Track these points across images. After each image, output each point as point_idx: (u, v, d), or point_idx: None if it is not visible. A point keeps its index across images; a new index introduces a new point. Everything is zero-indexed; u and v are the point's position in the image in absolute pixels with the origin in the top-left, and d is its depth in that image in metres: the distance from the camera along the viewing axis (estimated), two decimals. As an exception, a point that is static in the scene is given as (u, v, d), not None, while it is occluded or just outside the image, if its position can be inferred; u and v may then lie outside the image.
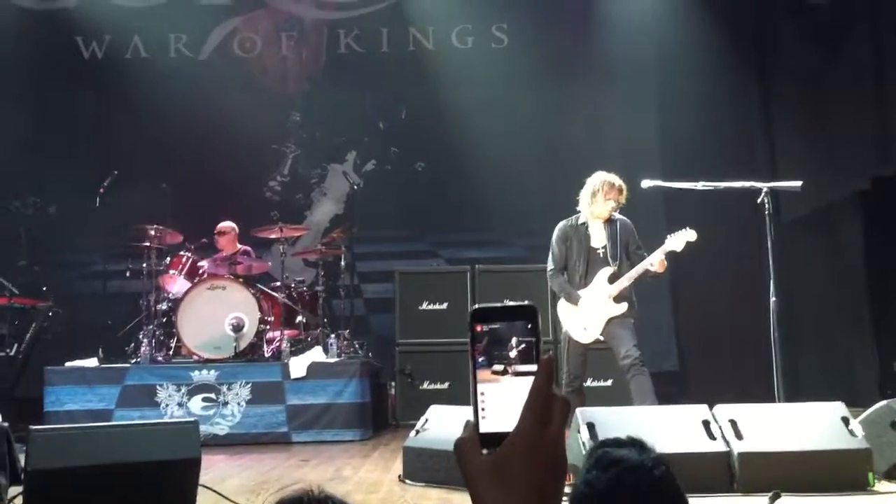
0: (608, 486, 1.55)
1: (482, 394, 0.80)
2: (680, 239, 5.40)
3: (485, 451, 0.79)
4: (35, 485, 3.80)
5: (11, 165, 8.88)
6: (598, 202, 5.48)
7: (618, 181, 5.51)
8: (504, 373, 0.80)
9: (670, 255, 5.51)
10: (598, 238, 5.56)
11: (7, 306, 7.13)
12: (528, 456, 0.77)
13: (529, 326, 0.81)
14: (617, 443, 1.66)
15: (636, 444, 1.65)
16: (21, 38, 9.00)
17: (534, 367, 0.79)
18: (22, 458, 4.02)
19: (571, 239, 5.58)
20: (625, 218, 5.61)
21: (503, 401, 0.79)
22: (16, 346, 7.19)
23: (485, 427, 0.80)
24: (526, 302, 0.82)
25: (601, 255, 5.53)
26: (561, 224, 5.67)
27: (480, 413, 0.80)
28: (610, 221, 5.55)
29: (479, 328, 0.81)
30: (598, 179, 5.51)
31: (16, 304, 7.24)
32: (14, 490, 3.96)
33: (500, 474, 0.77)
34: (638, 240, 5.58)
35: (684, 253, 5.51)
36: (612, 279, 5.48)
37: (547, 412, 0.78)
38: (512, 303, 0.82)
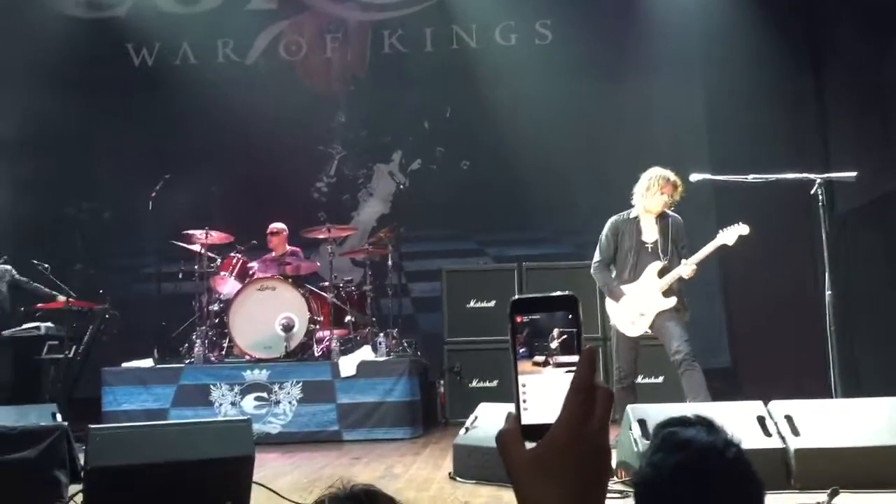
0: (675, 469, 1.46)
1: (523, 385, 0.79)
2: (732, 233, 5.35)
3: (527, 443, 0.78)
4: (94, 482, 3.89)
5: (66, 172, 9.11)
6: (651, 196, 5.46)
7: (673, 177, 5.47)
8: (545, 364, 0.79)
9: (721, 249, 5.44)
10: (650, 233, 5.54)
11: (65, 309, 7.30)
12: (570, 448, 0.76)
13: (570, 317, 0.80)
14: (684, 422, 1.55)
15: (705, 422, 1.54)
16: (72, 47, 9.20)
17: (576, 358, 0.78)
18: (81, 457, 4.13)
19: (623, 232, 5.56)
20: (677, 215, 5.57)
21: (545, 392, 0.79)
22: (74, 347, 7.36)
23: (526, 419, 0.79)
24: (567, 292, 0.81)
25: (651, 250, 5.50)
26: (613, 218, 5.67)
27: (522, 405, 0.79)
28: (662, 217, 5.52)
29: (519, 319, 0.81)
30: (654, 174, 5.49)
31: (74, 306, 7.42)
32: (74, 488, 4.06)
33: (543, 467, 0.76)
34: (685, 239, 5.54)
35: (736, 247, 5.44)
36: (662, 273, 5.44)
37: (589, 403, 0.76)
38: (552, 293, 0.81)
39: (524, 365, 0.80)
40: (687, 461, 1.47)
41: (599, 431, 0.77)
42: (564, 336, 0.79)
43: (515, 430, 0.79)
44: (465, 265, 8.64)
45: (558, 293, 0.80)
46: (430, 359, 8.00)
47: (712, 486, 1.46)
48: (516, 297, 0.81)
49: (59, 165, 9.07)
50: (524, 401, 0.79)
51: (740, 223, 5.37)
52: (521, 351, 0.80)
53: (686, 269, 5.36)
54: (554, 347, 0.79)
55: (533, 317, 0.80)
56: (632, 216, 5.58)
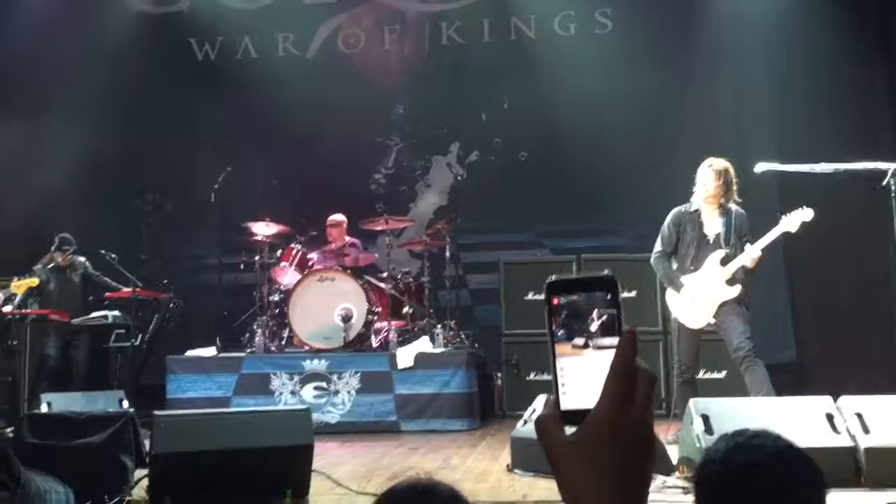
0: (744, 467, 1.47)
1: (562, 369, 0.76)
2: (795, 219, 5.21)
3: (567, 428, 0.76)
4: (159, 467, 3.98)
5: (130, 164, 9.33)
6: (707, 187, 5.38)
7: (718, 166, 5.37)
8: (585, 346, 0.76)
9: (786, 239, 5.31)
10: (712, 225, 5.45)
11: (132, 298, 7.49)
12: (611, 432, 0.73)
13: (609, 297, 0.76)
14: (752, 434, 1.56)
15: (771, 435, 1.56)
16: (138, 40, 9.42)
17: (616, 340, 0.75)
18: (147, 443, 4.23)
19: (685, 224, 5.49)
20: (741, 209, 5.47)
21: (584, 376, 0.76)
22: (140, 336, 7.55)
23: (566, 403, 0.76)
24: (605, 272, 0.78)
25: (713, 241, 5.42)
26: (675, 209, 5.61)
27: (560, 389, 0.76)
28: (725, 211, 5.42)
29: (556, 301, 0.78)
30: (707, 165, 5.41)
31: (140, 296, 7.61)
32: (140, 472, 4.16)
33: (583, 451, 0.74)
34: (748, 232, 5.43)
35: (802, 237, 5.30)
36: (725, 262, 5.34)
37: (631, 386, 0.74)
38: (589, 274, 0.78)
39: (563, 348, 0.77)
40: (756, 460, 1.47)
41: (641, 415, 0.74)
42: (604, 318, 0.76)
43: (554, 415, 0.76)
44: (522, 257, 8.60)
45: (596, 273, 0.77)
46: (488, 351, 7.99)
47: (780, 487, 1.45)
48: (553, 277, 0.78)
49: (124, 158, 9.29)
50: (563, 384, 0.76)
51: (804, 207, 5.22)
52: (559, 334, 0.77)
53: (750, 254, 5.24)
54: (594, 330, 0.76)
55: (571, 298, 0.77)
56: (692, 209, 5.50)
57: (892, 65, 8.45)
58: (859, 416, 4.15)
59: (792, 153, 6.90)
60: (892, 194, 4.99)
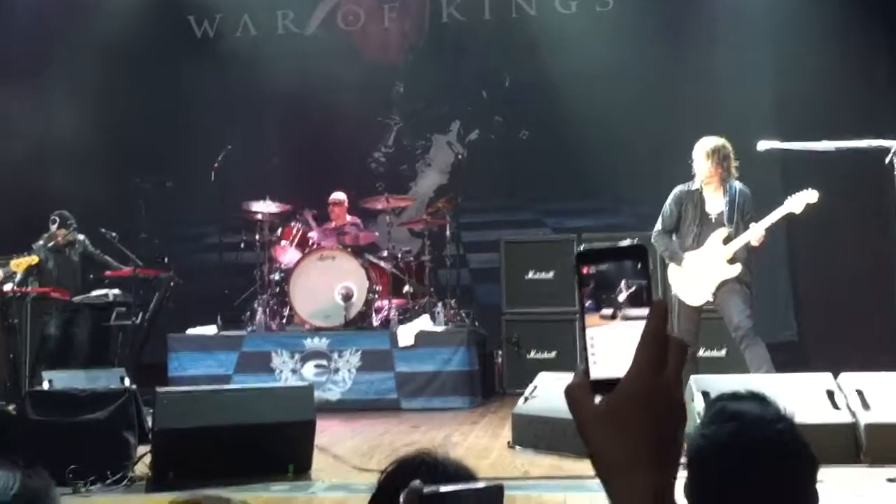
0: (727, 440, 1.48)
1: (591, 338, 0.76)
2: (800, 200, 5.20)
3: (597, 398, 0.75)
4: (161, 443, 4.00)
5: (130, 142, 9.29)
6: (698, 167, 5.37)
7: (716, 144, 5.35)
8: (613, 317, 0.76)
9: (788, 218, 5.30)
10: (714, 204, 5.44)
11: (132, 277, 7.49)
12: (642, 401, 0.73)
13: (640, 267, 0.76)
14: (735, 397, 1.59)
15: (757, 397, 1.57)
16: (136, 17, 9.33)
17: (645, 311, 0.74)
18: (149, 419, 4.24)
19: (686, 203, 5.48)
20: (744, 186, 5.45)
21: (614, 346, 0.75)
22: (141, 314, 7.55)
23: (595, 373, 0.76)
24: (635, 240, 0.77)
25: (715, 220, 5.41)
26: (677, 188, 5.60)
27: (591, 358, 0.76)
28: (727, 188, 5.40)
29: (585, 270, 0.77)
30: (698, 145, 5.41)
31: (140, 274, 7.60)
32: (142, 448, 4.18)
33: (614, 420, 0.74)
34: (751, 210, 5.41)
35: (804, 217, 5.29)
36: (727, 241, 5.34)
37: (661, 356, 0.73)
38: (621, 243, 0.77)
39: (591, 318, 0.76)
40: (737, 432, 1.49)
41: (673, 383, 0.74)
42: (633, 288, 0.76)
43: (585, 384, 0.76)
44: (523, 236, 8.58)
45: (626, 242, 0.77)
46: (488, 330, 8.00)
47: (761, 458, 1.49)
48: (583, 247, 0.78)
49: (123, 136, 9.26)
50: (593, 354, 0.76)
51: (809, 189, 5.22)
52: (588, 304, 0.77)
53: (755, 233, 5.24)
54: (622, 300, 0.76)
55: (600, 268, 0.77)
56: (694, 187, 5.49)
57: (894, 43, 8.40)
58: (860, 392, 4.16)
59: (793, 131, 6.87)
60: (895, 172, 4.97)
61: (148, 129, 9.32)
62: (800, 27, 8.20)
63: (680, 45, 8.72)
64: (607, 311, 0.76)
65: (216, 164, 7.92)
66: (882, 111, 8.18)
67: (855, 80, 8.23)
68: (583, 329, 0.77)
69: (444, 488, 0.86)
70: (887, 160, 4.99)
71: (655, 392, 0.73)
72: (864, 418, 4.05)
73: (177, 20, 9.73)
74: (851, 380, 4.27)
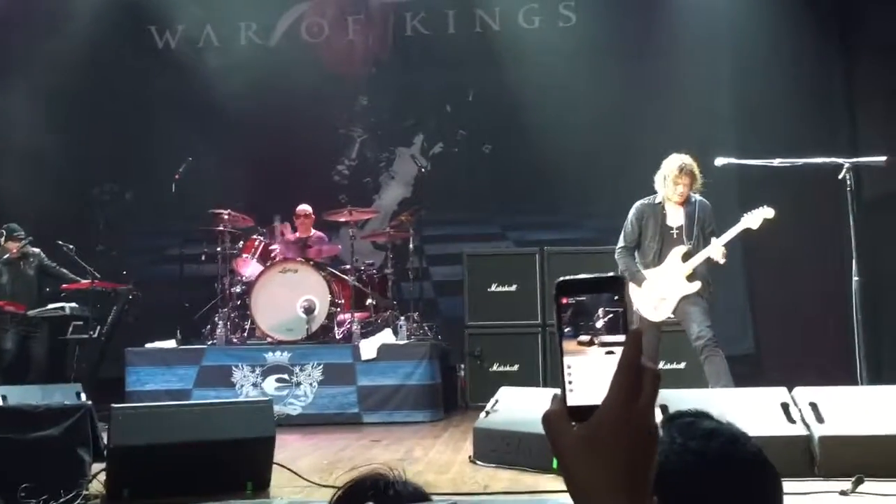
0: (702, 457, 1.47)
1: (569, 366, 0.78)
2: (757, 216, 5.30)
3: (573, 425, 0.77)
4: (116, 461, 3.93)
5: (89, 153, 9.17)
6: (667, 186, 5.44)
7: (688, 165, 5.42)
8: (590, 344, 0.78)
9: (745, 234, 5.39)
10: (675, 218, 5.51)
11: (90, 290, 7.38)
12: (617, 428, 0.75)
13: (616, 298, 0.78)
14: (690, 414, 1.57)
15: (706, 415, 1.57)
16: (96, 27, 9.23)
17: (621, 338, 0.77)
18: (105, 436, 4.17)
19: (648, 218, 5.53)
20: (704, 200, 5.53)
21: (590, 373, 0.77)
22: (98, 328, 7.44)
23: (572, 400, 0.78)
24: (612, 273, 0.80)
25: (676, 235, 5.47)
26: (638, 203, 5.64)
27: (567, 386, 0.78)
28: (688, 202, 5.48)
29: (565, 300, 0.79)
30: (668, 165, 5.50)
31: (98, 287, 7.49)
32: (97, 466, 4.10)
33: (590, 447, 0.76)
34: (712, 223, 5.49)
35: (760, 232, 5.38)
36: (686, 258, 5.41)
37: (637, 384, 0.75)
38: (598, 275, 0.79)
39: (569, 345, 0.78)
40: (715, 450, 1.49)
41: (646, 411, 0.76)
42: (610, 316, 0.78)
43: (562, 411, 0.78)
44: (486, 249, 8.62)
45: (604, 275, 0.79)
46: (451, 343, 8.00)
47: (737, 476, 1.49)
48: (562, 278, 0.80)
49: (82, 147, 9.14)
50: (570, 382, 0.78)
51: (765, 206, 5.32)
52: (565, 331, 0.79)
53: (715, 249, 5.31)
54: (599, 327, 0.78)
55: (579, 298, 0.79)
56: (656, 201, 5.55)
57: (849, 64, 8.60)
58: (813, 406, 4.22)
59: (751, 148, 7.01)
60: (849, 188, 5.09)
61: (108, 140, 9.22)
62: (759, 44, 8.37)
63: (640, 60, 8.85)
64: (584, 338, 0.78)
65: (177, 176, 7.84)
66: (839, 126, 8.38)
67: (812, 97, 8.42)
68: (561, 356, 0.78)
69: None
70: (840, 176, 5.12)
71: (630, 420, 0.75)
72: (818, 431, 4.11)
73: (138, 30, 9.65)
74: (806, 393, 4.33)
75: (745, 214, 5.36)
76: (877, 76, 8.20)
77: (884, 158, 5.16)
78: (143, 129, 9.21)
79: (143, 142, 9.12)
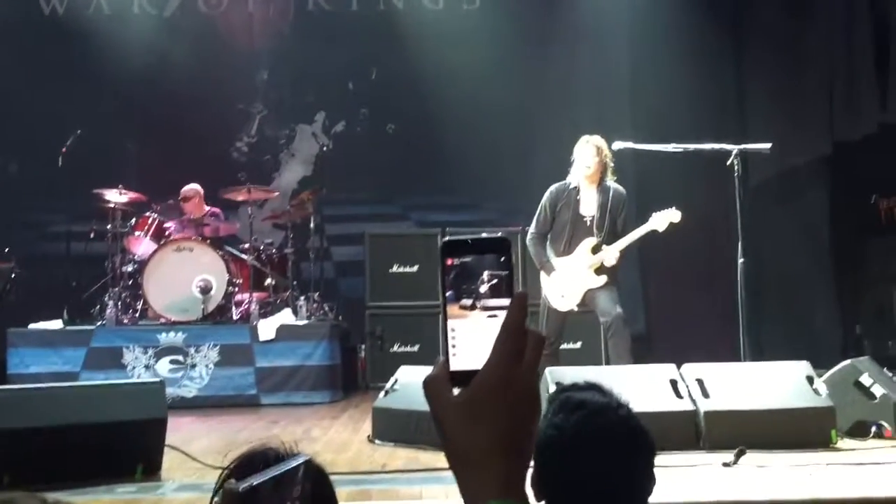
0: (577, 427, 1.55)
1: (452, 330, 0.76)
2: (664, 218, 5.41)
3: (456, 390, 0.75)
4: (-4, 445, 3.73)
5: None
6: (576, 162, 5.50)
7: (593, 138, 5.49)
8: (472, 308, 0.76)
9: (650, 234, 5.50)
10: (589, 206, 5.53)
11: (-33, 267, 6.98)
12: (499, 391, 0.73)
13: (502, 260, 0.77)
14: (577, 387, 1.67)
15: (594, 387, 1.67)
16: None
17: (505, 302, 0.75)
18: (-17, 420, 3.95)
19: (561, 204, 5.54)
20: (620, 187, 5.59)
21: (474, 337, 0.75)
22: (-23, 307, 7.05)
23: (455, 365, 0.76)
24: (499, 234, 0.78)
25: (588, 224, 5.51)
26: (553, 187, 5.64)
27: (451, 350, 0.76)
28: (603, 189, 5.52)
29: (450, 262, 0.77)
30: (581, 143, 5.52)
31: (-24, 264, 7.10)
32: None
33: (471, 410, 0.74)
34: (624, 212, 5.55)
35: (666, 233, 5.49)
36: (595, 250, 5.46)
37: (520, 347, 0.74)
38: (485, 235, 0.78)
39: (452, 309, 0.76)
40: (586, 419, 1.57)
41: (530, 375, 0.75)
42: (494, 280, 0.76)
43: (444, 376, 0.76)
44: (387, 229, 8.58)
45: (491, 234, 0.77)
46: (352, 323, 7.96)
47: (609, 441, 1.57)
48: (447, 238, 0.78)
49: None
50: (453, 346, 0.76)
51: (673, 209, 5.43)
52: (449, 294, 0.76)
53: (609, 255, 5.41)
54: (483, 291, 0.76)
55: (464, 259, 0.77)
56: (571, 186, 5.57)
57: (740, 57, 8.93)
58: (700, 381, 4.40)
59: (649, 130, 7.20)
60: (736, 174, 5.29)
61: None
62: (656, 31, 8.57)
63: (542, 46, 8.95)
64: (467, 301, 0.76)
65: (64, 149, 7.47)
66: (729, 115, 8.70)
67: (706, 86, 8.69)
68: (445, 320, 0.76)
69: (255, 480, 0.84)
70: (728, 162, 5.32)
71: (512, 383, 0.74)
72: (704, 406, 4.29)
73: (21, -5, 9.11)
74: (693, 370, 4.51)
75: (653, 215, 5.47)
76: (766, 64, 8.54)
77: (768, 146, 5.38)
78: (28, 99, 8.72)
79: (29, 113, 8.64)
